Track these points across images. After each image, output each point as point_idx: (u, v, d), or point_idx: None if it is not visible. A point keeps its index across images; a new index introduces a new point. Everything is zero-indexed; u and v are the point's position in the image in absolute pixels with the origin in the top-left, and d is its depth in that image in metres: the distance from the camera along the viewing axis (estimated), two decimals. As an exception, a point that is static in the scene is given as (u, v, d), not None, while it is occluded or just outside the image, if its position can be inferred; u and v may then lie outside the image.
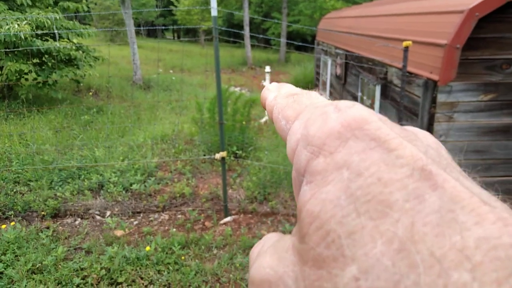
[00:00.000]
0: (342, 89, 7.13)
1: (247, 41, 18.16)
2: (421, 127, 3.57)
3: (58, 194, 4.23)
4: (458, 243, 0.14)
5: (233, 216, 4.07)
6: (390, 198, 0.16)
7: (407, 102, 3.89)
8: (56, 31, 4.33)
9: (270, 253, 0.21)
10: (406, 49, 3.44)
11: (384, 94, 4.76)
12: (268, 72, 7.86)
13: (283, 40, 14.45)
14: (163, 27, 4.10)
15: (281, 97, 0.27)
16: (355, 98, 6.18)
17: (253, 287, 0.21)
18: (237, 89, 10.86)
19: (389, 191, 0.16)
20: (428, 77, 3.45)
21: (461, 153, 3.51)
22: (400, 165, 0.17)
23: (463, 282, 0.13)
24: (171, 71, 13.94)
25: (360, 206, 0.16)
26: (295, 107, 0.25)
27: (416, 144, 0.19)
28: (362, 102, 5.71)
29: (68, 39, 7.26)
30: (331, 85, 8.20)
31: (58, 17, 6.74)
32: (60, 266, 3.17)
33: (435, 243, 0.14)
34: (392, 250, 0.15)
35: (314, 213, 0.18)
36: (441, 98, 3.38)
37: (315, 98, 0.25)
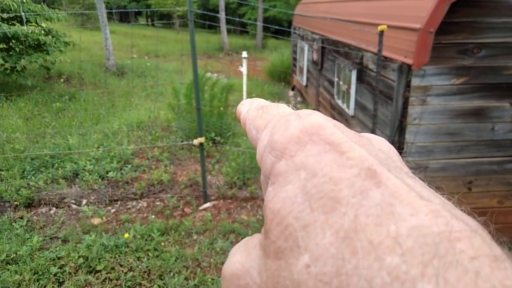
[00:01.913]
0: (319, 74, 7.16)
1: (223, 26, 17.94)
2: (396, 111, 3.64)
3: (31, 183, 4.11)
4: (393, 232, 0.16)
5: (213, 202, 4.07)
6: (339, 194, 0.18)
7: (382, 86, 3.94)
8: (23, 14, 4.14)
9: (241, 250, 0.24)
10: (381, 33, 3.47)
11: (360, 79, 4.81)
12: (244, 58, 7.81)
13: (259, 24, 14.34)
14: (136, 10, 3.97)
15: (252, 110, 0.29)
16: (331, 83, 6.23)
17: (224, 281, 0.23)
18: (214, 75, 10.74)
19: (338, 189, 0.18)
20: (402, 61, 3.50)
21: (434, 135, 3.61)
22: (349, 165, 0.19)
23: (394, 265, 0.15)
24: (145, 57, 13.65)
25: (314, 202, 0.18)
26: (264, 118, 0.27)
27: (367, 148, 0.21)
28: (338, 87, 5.76)
29: (36, 23, 6.98)
30: (308, 71, 8.23)
31: (24, 0, 6.45)
32: (36, 255, 3.11)
33: (374, 232, 0.16)
34: (338, 240, 0.17)
35: (275, 210, 0.20)
36: (415, 82, 3.45)
37: (282, 109, 0.28)
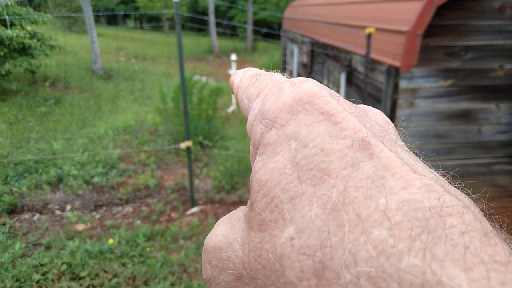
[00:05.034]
0: (308, 77, 7.16)
1: (213, 29, 17.90)
2: (384, 113, 3.63)
3: (14, 189, 4.02)
4: (382, 205, 0.15)
5: (200, 207, 4.01)
6: (330, 166, 0.17)
7: (370, 89, 3.94)
8: (7, 18, 4.06)
9: (224, 223, 0.23)
10: (369, 36, 3.47)
11: (349, 82, 4.81)
12: (234, 61, 7.80)
13: (249, 27, 14.35)
14: (123, 13, 3.94)
15: (245, 78, 0.28)
16: (320, 86, 6.22)
17: (205, 254, 0.23)
18: (203, 78, 10.70)
19: (329, 160, 0.18)
20: (390, 64, 3.50)
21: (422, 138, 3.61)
22: (342, 136, 0.18)
23: (381, 238, 0.14)
24: (133, 60, 13.54)
25: (303, 174, 0.18)
26: (257, 86, 0.26)
27: (362, 119, 0.20)
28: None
29: (22, 26, 6.87)
30: (298, 74, 8.23)
31: (9, 3, 6.34)
32: (18, 262, 3.04)
33: (362, 205, 0.15)
34: (325, 212, 0.16)
35: (262, 181, 0.19)
36: (403, 84, 3.45)
37: (277, 77, 0.26)
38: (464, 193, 0.17)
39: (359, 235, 0.15)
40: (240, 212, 0.23)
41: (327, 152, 0.18)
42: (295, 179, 0.18)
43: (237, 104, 0.29)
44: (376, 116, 0.23)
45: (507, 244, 0.15)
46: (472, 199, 0.17)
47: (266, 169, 0.19)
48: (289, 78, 0.26)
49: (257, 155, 0.21)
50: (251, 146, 0.23)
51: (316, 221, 0.16)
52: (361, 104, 0.25)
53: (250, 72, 0.30)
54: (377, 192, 0.16)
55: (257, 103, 0.24)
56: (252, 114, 0.23)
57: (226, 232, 0.22)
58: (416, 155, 0.20)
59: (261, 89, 0.25)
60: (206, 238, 0.23)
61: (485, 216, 0.17)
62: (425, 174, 0.17)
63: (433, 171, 0.18)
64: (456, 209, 0.15)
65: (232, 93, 0.30)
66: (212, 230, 0.24)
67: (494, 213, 0.18)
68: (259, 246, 0.18)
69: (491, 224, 0.16)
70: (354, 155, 0.17)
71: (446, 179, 0.18)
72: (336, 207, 0.16)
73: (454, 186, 0.18)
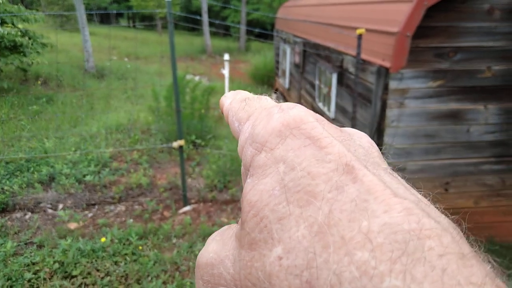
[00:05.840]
0: (300, 77, 7.20)
1: (206, 28, 17.88)
2: (374, 113, 3.68)
3: (5, 188, 4.01)
4: (364, 228, 0.16)
5: (193, 205, 4.03)
6: (316, 189, 0.18)
7: (361, 89, 3.98)
8: (-2, 15, 4.04)
9: (217, 240, 0.24)
10: (359, 36, 3.51)
11: (340, 82, 4.85)
12: (226, 60, 7.80)
13: (242, 27, 14.35)
14: (116, 11, 3.96)
15: (235, 102, 0.29)
16: (313, 86, 6.27)
17: (198, 270, 0.24)
18: (196, 77, 10.69)
19: (315, 183, 0.18)
20: (380, 65, 3.55)
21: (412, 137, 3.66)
22: (328, 160, 0.19)
23: (364, 260, 0.15)
24: (126, 59, 13.49)
25: (291, 196, 0.19)
26: (247, 110, 0.27)
27: (347, 143, 0.21)
28: (319, 90, 5.80)
29: (13, 24, 6.82)
30: (291, 74, 8.27)
31: (0, 1, 6.31)
32: (9, 261, 3.04)
33: (346, 227, 0.16)
34: (311, 233, 0.17)
35: (252, 202, 0.20)
36: (392, 84, 3.49)
37: (265, 101, 0.28)
38: (445, 215, 0.18)
39: (343, 257, 0.16)
40: (231, 230, 0.24)
41: (313, 176, 0.19)
42: (283, 201, 0.19)
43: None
44: (360, 139, 0.24)
45: (485, 264, 0.16)
46: (451, 221, 0.18)
47: (256, 190, 0.20)
48: (277, 102, 0.27)
49: (248, 176, 0.22)
50: (242, 167, 0.24)
51: (302, 241, 0.17)
52: (345, 127, 0.26)
53: (240, 95, 0.31)
54: (360, 215, 0.17)
55: (247, 126, 0.25)
56: (243, 137, 0.24)
57: (218, 249, 0.23)
58: (400, 177, 0.21)
59: (250, 113, 0.26)
60: (199, 254, 0.24)
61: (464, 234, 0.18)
62: (406, 197, 0.17)
63: (415, 193, 0.19)
64: (434, 232, 0.16)
65: (223, 114, 0.31)
66: (204, 247, 0.25)
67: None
68: (249, 264, 0.19)
69: (469, 245, 0.17)
70: (339, 178, 0.18)
71: (428, 200, 0.19)
72: (322, 229, 0.17)
73: (436, 208, 0.19)
